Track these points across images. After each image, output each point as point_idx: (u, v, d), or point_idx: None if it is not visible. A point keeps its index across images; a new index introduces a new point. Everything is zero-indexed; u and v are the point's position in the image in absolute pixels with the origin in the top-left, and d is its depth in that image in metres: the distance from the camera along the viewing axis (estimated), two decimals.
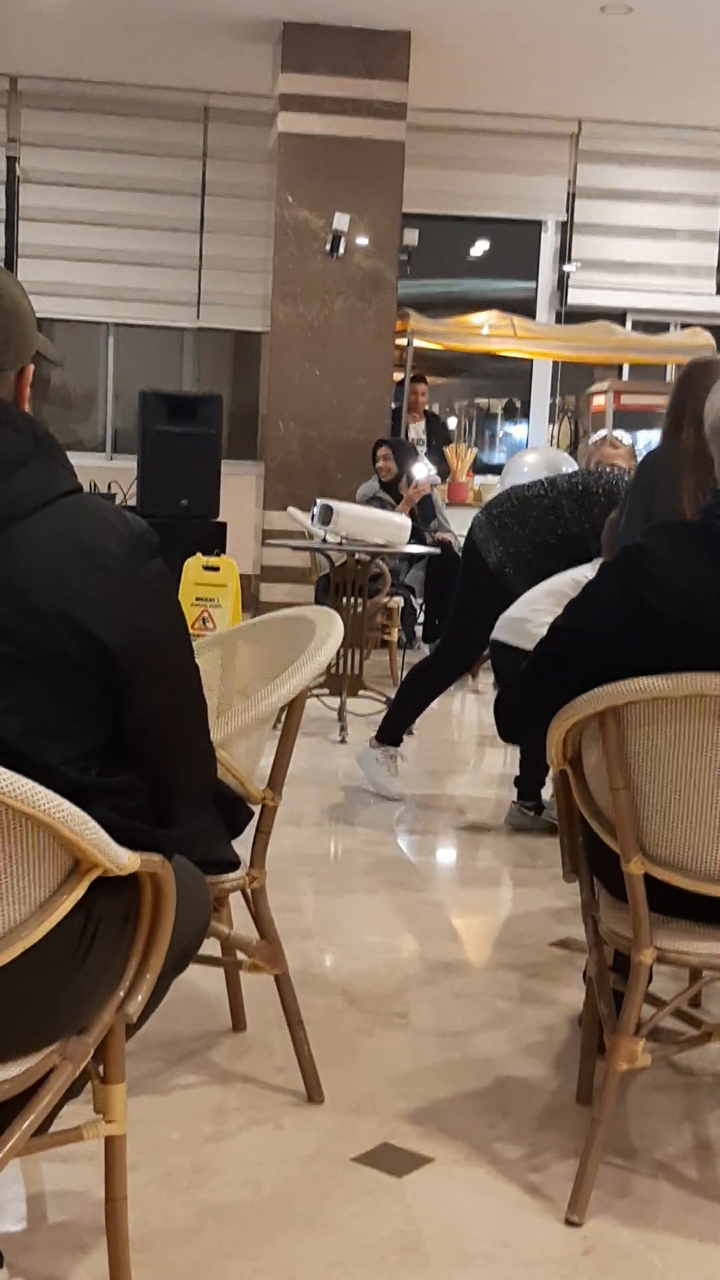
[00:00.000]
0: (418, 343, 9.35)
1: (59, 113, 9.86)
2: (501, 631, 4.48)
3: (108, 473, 9.14)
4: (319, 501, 6.55)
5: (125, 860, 1.68)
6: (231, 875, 2.49)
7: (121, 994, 1.84)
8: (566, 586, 4.20)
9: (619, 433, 6.20)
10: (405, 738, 6.16)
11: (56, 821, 1.57)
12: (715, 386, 2.45)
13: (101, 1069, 1.87)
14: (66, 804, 1.57)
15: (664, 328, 10.57)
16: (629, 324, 10.49)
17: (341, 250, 8.74)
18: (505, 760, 5.92)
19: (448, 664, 5.12)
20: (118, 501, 8.41)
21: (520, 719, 2.42)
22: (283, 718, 2.52)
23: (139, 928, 1.84)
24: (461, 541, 8.36)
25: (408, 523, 6.51)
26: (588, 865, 2.46)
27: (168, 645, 1.73)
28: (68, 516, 1.63)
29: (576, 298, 10.60)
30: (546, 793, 4.53)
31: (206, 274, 10.12)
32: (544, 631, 2.33)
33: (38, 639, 1.59)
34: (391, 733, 5.12)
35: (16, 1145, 1.72)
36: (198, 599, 6.68)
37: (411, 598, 7.78)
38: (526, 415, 11.05)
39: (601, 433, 6.26)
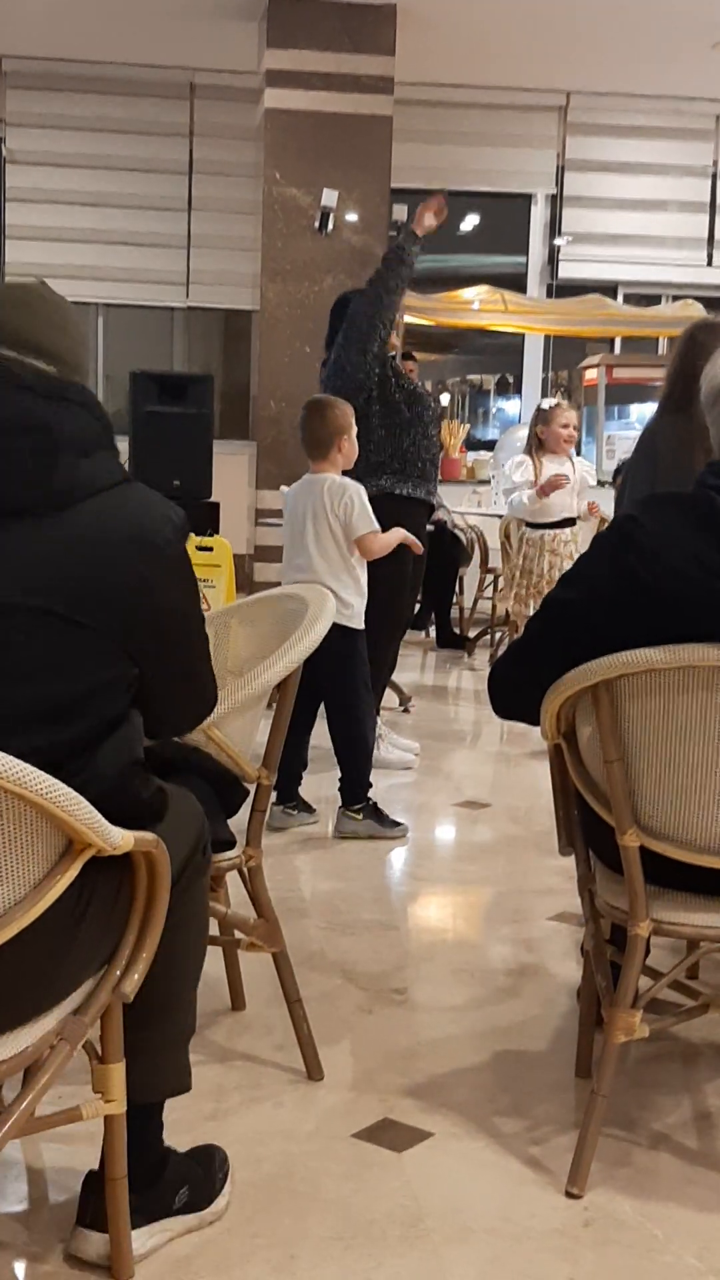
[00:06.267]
0: (408, 318, 9.28)
1: (44, 92, 9.79)
2: None
3: None
4: None
5: (118, 840, 1.68)
6: (228, 854, 2.49)
7: (118, 973, 1.84)
8: None
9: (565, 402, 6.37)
10: (401, 713, 6.16)
11: (49, 803, 1.58)
12: (714, 356, 2.42)
13: (99, 1048, 1.87)
14: (60, 785, 1.58)
15: (656, 300, 10.53)
16: (620, 297, 10.44)
17: (330, 227, 8.69)
18: (502, 736, 5.92)
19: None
20: None
21: (515, 693, 2.42)
22: (277, 697, 2.52)
23: (134, 906, 1.85)
24: (457, 519, 8.38)
25: None
26: (583, 839, 2.46)
27: (190, 613, 1.92)
28: (132, 500, 1.81)
29: (567, 271, 10.54)
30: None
31: (195, 253, 10.06)
32: None
33: (95, 609, 1.73)
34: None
35: (16, 1125, 1.73)
36: None
37: None
38: (519, 390, 11.02)
39: (551, 401, 6.36)
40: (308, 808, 4.41)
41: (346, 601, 4.27)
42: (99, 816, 1.64)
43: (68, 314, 1.92)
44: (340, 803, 4.31)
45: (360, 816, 4.27)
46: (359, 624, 4.31)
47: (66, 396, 1.79)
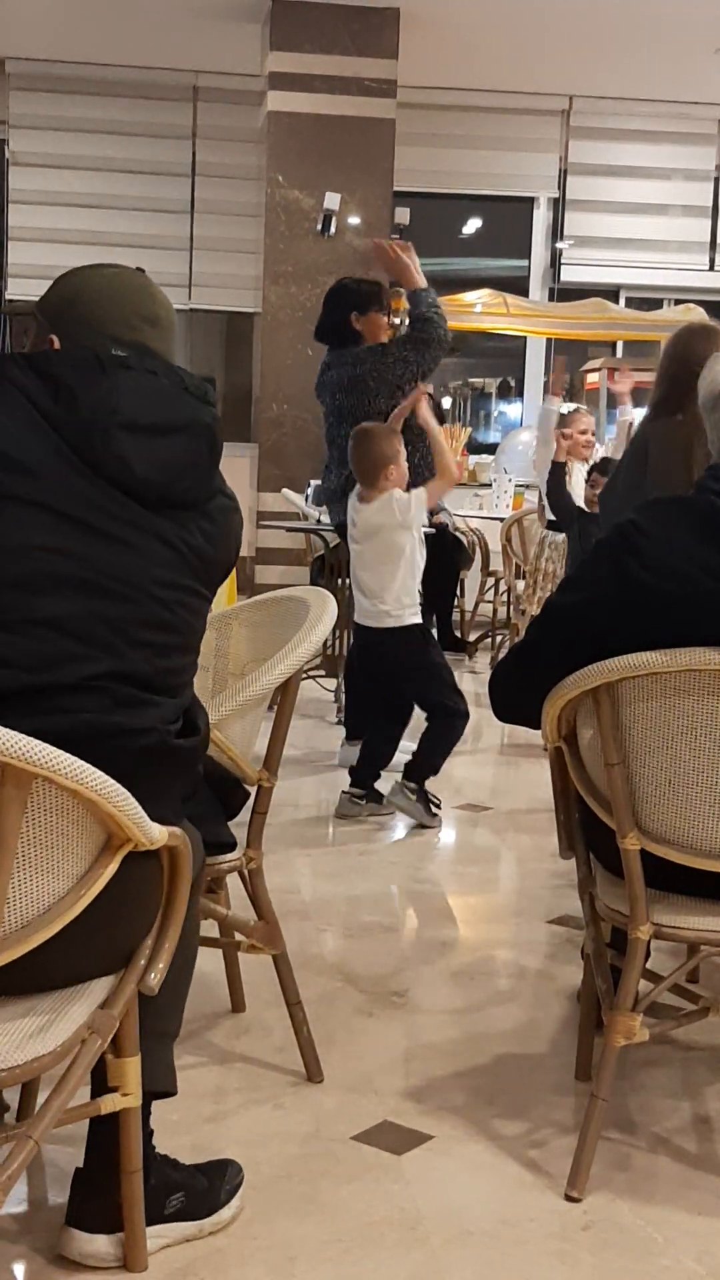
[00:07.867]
0: None
1: (47, 94, 9.81)
2: None
3: None
4: (313, 483, 6.53)
5: (156, 835, 1.75)
6: (228, 856, 2.49)
7: (142, 963, 1.87)
8: None
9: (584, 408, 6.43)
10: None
11: (103, 799, 1.64)
12: (713, 358, 2.42)
13: (114, 1043, 1.89)
14: (112, 782, 1.65)
15: (657, 304, 10.54)
16: (622, 301, 10.46)
17: (332, 230, 8.70)
18: (502, 739, 5.92)
19: None
20: None
21: (516, 696, 2.42)
22: (278, 699, 2.51)
23: (157, 899, 1.89)
24: (458, 522, 8.37)
25: None
26: (584, 842, 2.46)
27: None
28: (232, 498, 2.06)
29: (569, 275, 10.56)
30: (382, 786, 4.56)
31: (198, 255, 10.08)
32: None
33: (216, 585, 1.99)
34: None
35: (55, 1117, 1.76)
36: None
37: None
38: (520, 394, 11.02)
39: (570, 406, 6.39)
40: (377, 796, 4.54)
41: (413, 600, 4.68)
42: (143, 813, 1.71)
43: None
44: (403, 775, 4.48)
45: (414, 796, 4.43)
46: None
47: (209, 400, 1.95)
